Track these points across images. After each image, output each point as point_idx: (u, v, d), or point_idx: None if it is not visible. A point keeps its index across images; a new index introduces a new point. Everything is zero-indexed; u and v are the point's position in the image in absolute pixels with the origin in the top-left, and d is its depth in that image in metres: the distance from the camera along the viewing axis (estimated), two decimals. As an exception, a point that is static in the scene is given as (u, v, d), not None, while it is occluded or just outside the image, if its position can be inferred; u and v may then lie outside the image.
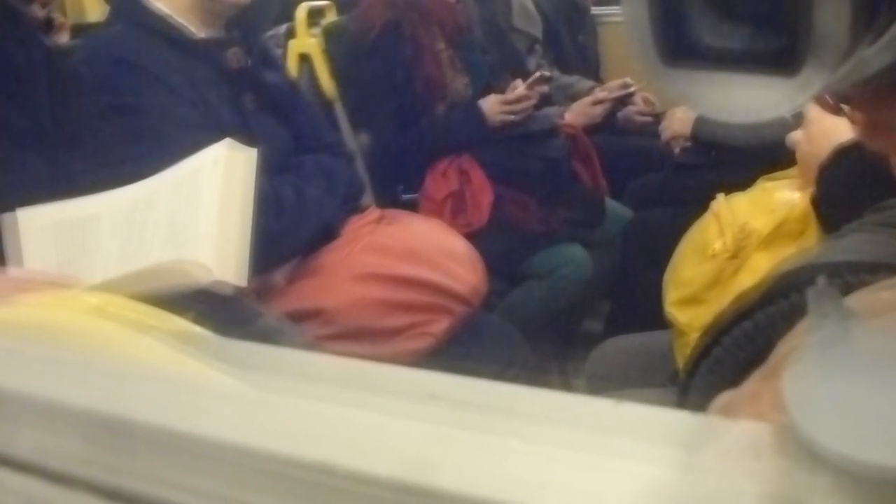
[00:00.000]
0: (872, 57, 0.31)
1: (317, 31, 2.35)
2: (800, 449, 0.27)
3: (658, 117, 2.45)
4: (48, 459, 0.35)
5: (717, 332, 0.68)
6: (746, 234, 1.21)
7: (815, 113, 1.09)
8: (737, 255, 1.22)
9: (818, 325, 0.34)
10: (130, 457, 0.34)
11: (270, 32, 2.42)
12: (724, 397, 0.46)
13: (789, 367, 0.31)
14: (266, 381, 0.38)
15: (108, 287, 0.97)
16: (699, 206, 1.36)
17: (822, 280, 0.35)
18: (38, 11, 2.11)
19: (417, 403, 0.33)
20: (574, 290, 2.17)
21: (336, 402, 0.34)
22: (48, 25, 2.19)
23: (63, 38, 2.21)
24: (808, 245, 1.11)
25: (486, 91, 2.24)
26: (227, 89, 1.58)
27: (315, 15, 2.40)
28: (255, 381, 0.38)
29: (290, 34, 2.36)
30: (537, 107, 2.26)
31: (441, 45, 2.19)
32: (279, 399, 0.36)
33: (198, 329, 0.51)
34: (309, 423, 0.33)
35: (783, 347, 0.45)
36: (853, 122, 0.42)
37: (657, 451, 0.30)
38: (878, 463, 0.26)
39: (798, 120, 1.14)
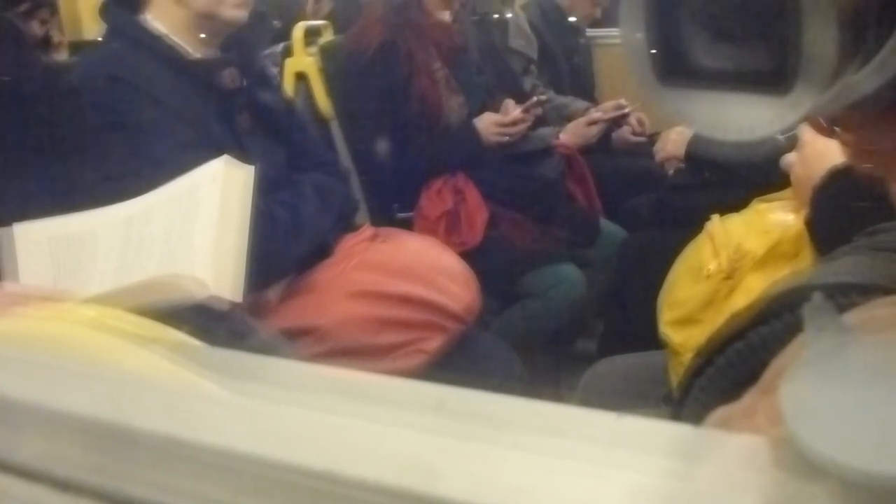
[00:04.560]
0: (861, 81, 0.32)
1: (313, 49, 2.37)
2: (797, 459, 0.28)
3: (652, 138, 2.46)
4: (51, 466, 0.36)
5: (711, 353, 0.68)
6: (741, 254, 1.22)
7: (809, 135, 1.10)
8: (731, 275, 1.22)
9: (815, 339, 0.34)
10: (133, 464, 0.35)
11: (267, 51, 2.43)
12: (720, 412, 0.46)
13: (786, 380, 0.31)
14: (267, 391, 0.38)
15: (104, 300, 0.97)
16: (693, 226, 1.37)
17: (817, 295, 0.36)
18: (36, 29, 2.13)
19: (421, 413, 0.34)
20: (568, 309, 2.17)
21: (337, 411, 0.35)
22: (46, 43, 2.20)
23: (61, 56, 2.22)
24: (803, 266, 1.12)
25: (482, 111, 2.25)
26: (222, 109, 1.58)
27: (312, 34, 2.41)
28: (257, 391, 0.38)
29: (287, 53, 2.38)
30: (532, 127, 2.27)
31: (437, 65, 2.20)
32: (280, 408, 0.36)
33: (195, 341, 0.51)
34: (310, 432, 0.33)
35: (777, 364, 0.46)
36: (843, 144, 0.42)
37: (657, 462, 0.30)
38: (876, 470, 0.26)
39: (792, 142, 1.15)
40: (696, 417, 0.56)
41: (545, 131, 2.39)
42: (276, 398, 0.37)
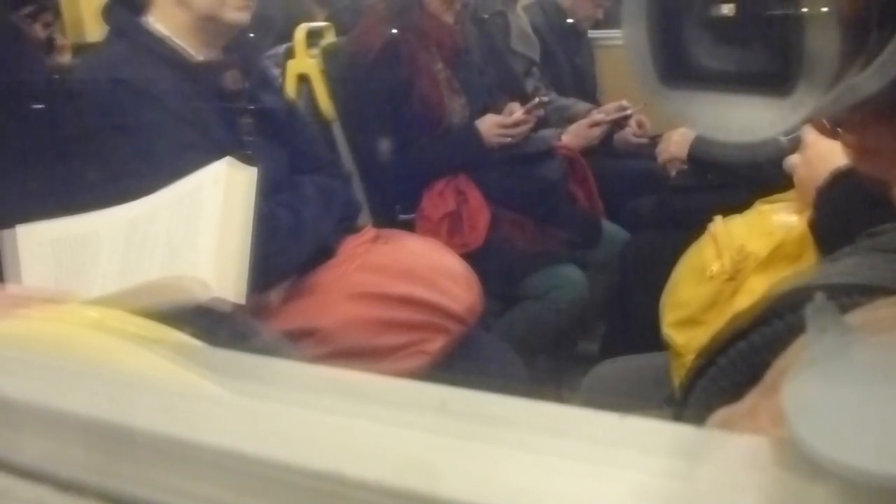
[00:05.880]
0: (863, 82, 0.32)
1: (316, 51, 2.37)
2: (800, 460, 0.28)
3: (655, 140, 2.46)
4: (53, 466, 0.36)
5: (713, 353, 0.68)
6: (744, 256, 1.22)
7: (812, 137, 1.10)
8: (734, 276, 1.22)
9: (817, 339, 0.34)
10: (134, 464, 0.35)
11: (270, 53, 2.43)
12: (722, 413, 0.46)
13: (788, 380, 0.31)
14: (269, 392, 0.38)
15: (106, 301, 0.98)
16: (696, 228, 1.37)
17: (820, 296, 0.36)
18: (39, 32, 2.13)
19: (423, 414, 0.34)
20: (570, 311, 2.17)
21: (339, 411, 0.35)
22: (49, 45, 2.20)
23: (64, 58, 2.23)
24: (806, 268, 1.11)
25: (484, 112, 2.25)
26: (225, 111, 1.58)
27: (314, 36, 2.41)
28: (259, 392, 0.38)
29: (290, 55, 2.38)
30: (534, 128, 2.27)
31: (439, 67, 2.20)
32: (282, 409, 0.36)
33: (198, 343, 0.52)
34: (311, 432, 0.34)
35: (780, 364, 0.46)
36: (846, 145, 0.42)
37: (659, 462, 0.30)
38: (877, 470, 0.26)
39: (795, 144, 1.15)
40: (699, 418, 0.56)
41: (547, 133, 2.39)
42: (278, 399, 0.37)
